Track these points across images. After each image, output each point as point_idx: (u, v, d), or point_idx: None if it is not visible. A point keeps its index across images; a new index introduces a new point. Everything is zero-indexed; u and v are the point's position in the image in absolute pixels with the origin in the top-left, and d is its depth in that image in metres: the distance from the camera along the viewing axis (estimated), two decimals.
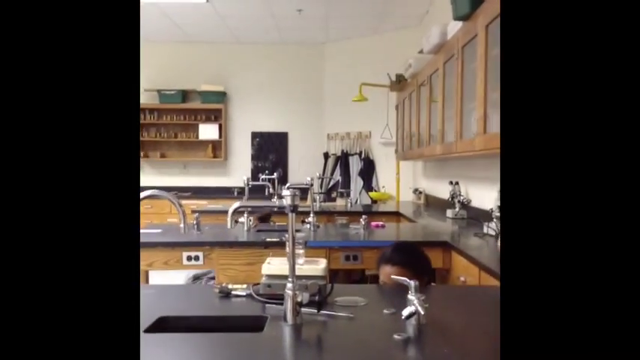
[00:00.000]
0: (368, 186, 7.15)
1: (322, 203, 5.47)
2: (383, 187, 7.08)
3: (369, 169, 7.24)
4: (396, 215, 5.03)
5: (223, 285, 1.82)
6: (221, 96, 7.52)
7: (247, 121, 7.71)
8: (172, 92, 7.45)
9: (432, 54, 4.21)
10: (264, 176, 7.47)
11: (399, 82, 5.79)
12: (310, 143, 7.67)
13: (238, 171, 7.66)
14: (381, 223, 3.71)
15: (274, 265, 1.74)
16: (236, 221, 3.46)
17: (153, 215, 7.12)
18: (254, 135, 7.71)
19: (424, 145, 4.58)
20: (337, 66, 7.44)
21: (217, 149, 7.62)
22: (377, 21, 6.54)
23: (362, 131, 7.31)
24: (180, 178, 7.70)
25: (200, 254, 2.99)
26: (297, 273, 1.62)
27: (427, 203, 5.90)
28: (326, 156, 7.57)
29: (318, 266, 1.72)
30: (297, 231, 3.44)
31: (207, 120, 7.53)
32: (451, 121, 3.82)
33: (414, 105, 5.13)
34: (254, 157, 7.72)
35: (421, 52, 4.79)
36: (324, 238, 3.15)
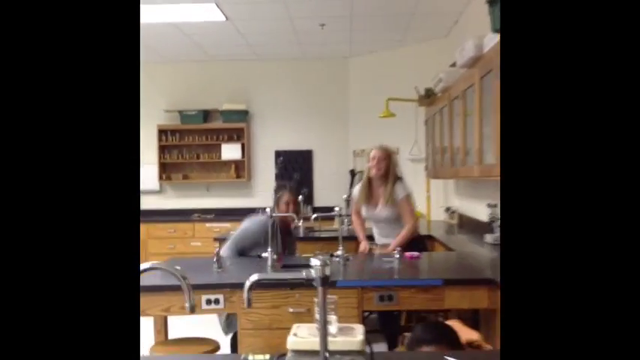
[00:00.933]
0: None
1: (350, 227, 5.17)
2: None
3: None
4: (429, 239, 4.72)
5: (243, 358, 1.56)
6: (243, 114, 7.32)
7: (270, 139, 7.49)
8: (194, 112, 7.28)
9: (466, 68, 3.92)
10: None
11: (428, 97, 5.51)
12: (336, 160, 7.41)
13: (262, 191, 7.43)
14: (415, 253, 3.41)
15: (302, 339, 1.48)
16: (259, 256, 3.20)
17: (176, 240, 6.93)
18: (277, 154, 7.47)
19: (458, 165, 4.28)
20: (362, 80, 7.19)
21: (240, 169, 7.41)
22: (402, 33, 6.27)
23: (389, 146, 7.01)
24: (204, 200, 7.49)
25: (220, 297, 2.74)
26: (330, 347, 1.35)
27: (461, 224, 5.58)
28: (352, 173, 7.29)
29: (354, 338, 1.45)
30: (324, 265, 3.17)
31: (230, 140, 7.33)
32: (489, 140, 3.52)
33: (445, 121, 4.84)
34: (278, 177, 7.48)
35: (453, 65, 4.50)
36: (355, 275, 2.87)
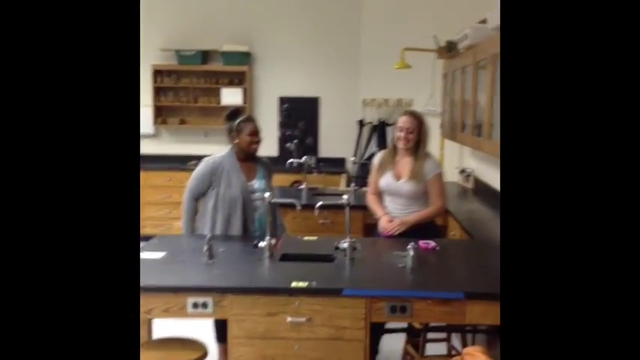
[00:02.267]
0: None
1: (357, 189, 4.79)
2: None
3: None
4: (444, 213, 4.33)
5: None
6: (245, 57, 6.78)
7: (274, 84, 6.96)
8: (192, 53, 6.73)
9: (499, 31, 3.40)
10: (290, 144, 6.88)
11: (449, 50, 4.98)
12: (344, 110, 6.91)
13: (264, 139, 6.98)
14: (431, 244, 3.04)
15: None
16: (255, 245, 2.84)
17: (172, 189, 6.57)
18: (282, 100, 6.98)
19: (484, 136, 3.84)
20: (376, 23, 6.58)
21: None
22: None
23: (402, 98, 6.53)
24: (201, 146, 7.04)
25: (209, 301, 2.39)
26: None
27: (476, 189, 5.19)
28: (361, 124, 6.83)
29: None
30: (329, 260, 2.81)
31: (230, 84, 6.82)
32: None
33: (468, 82, 4.35)
34: (282, 125, 7.03)
35: (483, 22, 3.98)
36: (363, 278, 2.50)
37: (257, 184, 3.32)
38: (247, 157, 3.32)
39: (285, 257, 2.83)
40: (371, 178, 3.56)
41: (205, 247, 2.76)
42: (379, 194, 3.48)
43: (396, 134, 3.38)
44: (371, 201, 3.54)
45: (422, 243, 3.03)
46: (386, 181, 3.40)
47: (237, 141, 3.28)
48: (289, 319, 2.36)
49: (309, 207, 3.88)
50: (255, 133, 3.29)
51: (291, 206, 3.78)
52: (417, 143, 3.35)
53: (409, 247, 2.70)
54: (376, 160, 3.53)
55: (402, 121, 3.35)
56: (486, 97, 3.73)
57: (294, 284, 2.38)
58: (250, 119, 3.36)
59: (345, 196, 2.87)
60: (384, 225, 3.34)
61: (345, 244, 2.80)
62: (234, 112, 3.38)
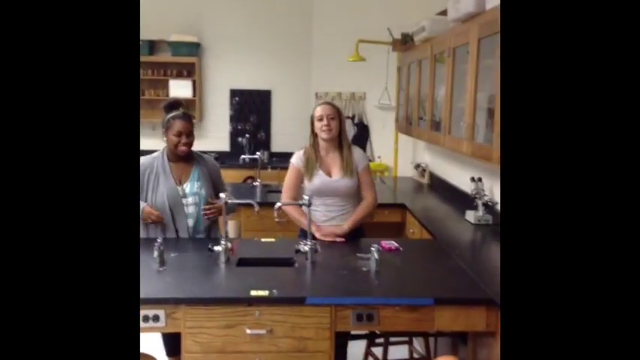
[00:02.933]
0: None
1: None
2: (379, 157, 6.29)
3: (362, 136, 6.41)
4: (401, 209, 4.27)
5: None
6: (194, 48, 6.52)
7: (225, 77, 6.74)
8: None
9: (459, 22, 3.33)
10: (242, 139, 6.67)
11: (404, 42, 4.90)
12: (296, 103, 6.75)
13: (215, 134, 6.78)
14: (394, 245, 2.94)
15: None
16: (210, 250, 2.66)
17: None
18: (233, 93, 6.76)
19: (442, 132, 3.77)
20: (329, 14, 6.43)
21: (191, 109, 6.66)
22: None
23: (356, 92, 6.43)
24: (150, 141, 6.68)
25: (161, 313, 2.21)
26: None
27: (432, 184, 5.15)
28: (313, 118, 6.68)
29: None
30: (289, 264, 2.67)
31: (179, 75, 6.55)
32: (483, 113, 3.02)
33: (426, 75, 4.27)
34: (233, 119, 6.81)
35: (442, 13, 3.90)
36: (327, 289, 2.36)
37: (189, 187, 2.97)
38: (179, 157, 3.00)
39: (242, 262, 2.67)
40: (289, 182, 3.16)
41: (156, 253, 2.57)
42: (294, 197, 3.14)
43: (317, 125, 3.08)
44: (291, 211, 3.12)
45: (384, 243, 2.93)
46: (320, 180, 3.07)
47: (165, 139, 3.01)
48: (249, 331, 2.20)
49: (264, 205, 3.75)
50: (180, 134, 2.90)
51: (248, 205, 3.62)
52: (340, 132, 3.12)
53: (372, 248, 2.59)
54: (297, 160, 3.16)
55: (320, 109, 3.09)
56: (446, 91, 3.65)
57: (253, 293, 2.23)
58: (180, 117, 2.94)
59: (305, 196, 2.72)
60: (327, 234, 3.04)
61: (306, 247, 2.66)
62: (171, 105, 3.03)
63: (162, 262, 2.57)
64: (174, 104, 3.05)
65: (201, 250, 2.76)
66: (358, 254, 2.73)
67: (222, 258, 2.63)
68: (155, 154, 3.05)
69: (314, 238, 2.86)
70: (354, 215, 3.14)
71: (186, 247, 2.89)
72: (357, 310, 2.23)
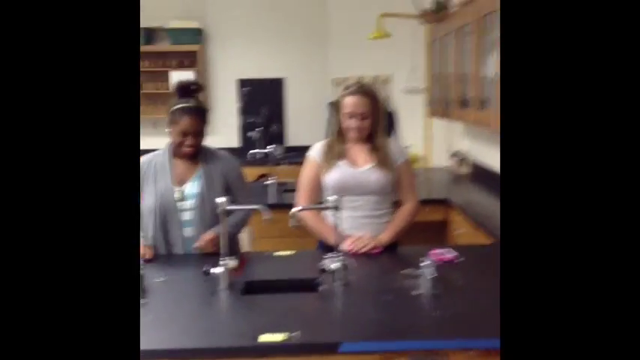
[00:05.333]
0: None
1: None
2: (407, 147, 5.58)
3: (389, 124, 5.70)
4: (443, 206, 3.58)
5: None
6: (196, 34, 5.91)
7: (232, 65, 6.10)
8: None
9: None
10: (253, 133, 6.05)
11: (437, 12, 4.19)
12: (313, 91, 6.11)
13: (223, 129, 6.14)
14: (449, 254, 2.25)
15: None
16: (206, 272, 1.98)
17: None
18: (242, 83, 6.11)
19: (481, 108, 3.06)
20: None
21: None
22: None
23: (379, 75, 5.73)
24: (150, 139, 6.08)
25: None
26: None
27: (475, 175, 4.43)
28: (332, 106, 6.02)
29: None
30: (313, 288, 1.99)
31: (180, 66, 5.94)
32: None
33: (467, 47, 3.57)
34: (242, 111, 6.16)
35: None
36: (368, 326, 1.67)
37: (188, 187, 2.37)
38: (182, 155, 2.40)
39: (250, 288, 1.99)
40: (305, 181, 2.50)
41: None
42: (313, 200, 2.48)
43: (345, 123, 2.40)
44: (313, 217, 2.46)
45: (436, 253, 2.24)
46: (341, 173, 2.39)
47: (168, 130, 2.38)
48: None
49: (278, 207, 3.09)
50: (186, 134, 2.32)
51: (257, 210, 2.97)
52: (375, 128, 2.43)
53: (424, 263, 1.90)
54: (315, 152, 2.50)
55: (351, 104, 2.36)
56: (495, 62, 2.95)
57: (264, 338, 1.55)
58: (190, 111, 2.33)
59: (331, 198, 2.03)
60: (350, 246, 2.32)
61: (333, 264, 1.97)
62: (182, 89, 2.40)
63: (142, 292, 1.91)
64: (187, 89, 2.40)
65: (198, 270, 2.09)
66: (402, 271, 2.04)
67: (223, 284, 1.95)
68: (160, 150, 2.45)
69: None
70: (392, 225, 2.45)
71: (177, 266, 2.23)
72: (416, 357, 1.54)
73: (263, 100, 6.15)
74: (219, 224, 2.30)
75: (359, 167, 2.42)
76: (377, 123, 2.43)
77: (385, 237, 2.40)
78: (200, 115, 2.35)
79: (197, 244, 2.28)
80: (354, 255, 2.24)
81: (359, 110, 2.36)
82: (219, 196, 2.08)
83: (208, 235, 2.29)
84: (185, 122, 2.30)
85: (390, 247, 2.42)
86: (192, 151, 2.35)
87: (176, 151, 2.39)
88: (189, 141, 2.32)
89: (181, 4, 5.97)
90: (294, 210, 2.13)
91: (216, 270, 1.96)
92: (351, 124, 2.38)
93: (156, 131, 6.18)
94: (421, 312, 1.75)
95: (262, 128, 6.00)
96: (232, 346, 1.56)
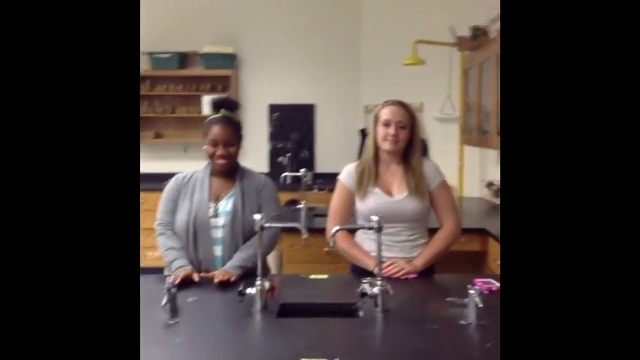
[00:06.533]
0: None
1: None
2: None
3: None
4: (480, 234, 3.46)
5: None
6: (229, 59, 5.94)
7: (263, 90, 6.11)
8: (168, 55, 5.90)
9: None
10: (283, 158, 6.02)
11: (475, 38, 4.13)
12: (343, 118, 6.08)
13: (252, 153, 6.11)
14: (494, 284, 2.13)
15: None
16: (241, 293, 1.90)
17: (146, 213, 5.59)
18: (272, 108, 6.12)
19: None
20: (379, 18, 5.75)
21: None
22: None
23: (412, 103, 5.65)
24: (181, 163, 6.11)
25: None
26: None
27: None
28: (363, 134, 5.97)
29: None
30: (352, 314, 1.89)
31: (213, 90, 5.94)
32: None
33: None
34: (272, 137, 6.15)
35: None
36: (414, 356, 1.56)
37: (222, 205, 2.32)
38: (220, 171, 2.36)
39: (286, 311, 1.89)
40: (336, 205, 2.41)
41: (165, 298, 1.83)
42: (346, 222, 2.40)
43: (380, 132, 2.32)
44: (347, 241, 2.39)
45: (480, 282, 2.12)
46: (376, 200, 2.33)
47: (204, 147, 2.36)
48: None
49: (309, 231, 3.00)
50: (217, 143, 2.28)
51: (291, 230, 2.90)
52: (410, 142, 2.35)
53: (472, 291, 1.79)
54: (346, 176, 2.42)
55: (389, 112, 2.31)
56: None
57: None
58: (219, 121, 2.31)
59: (374, 217, 1.94)
60: (385, 270, 2.20)
61: (374, 289, 1.87)
62: (216, 103, 2.39)
63: (173, 312, 1.83)
64: (221, 103, 2.39)
65: (232, 290, 2.00)
66: (449, 299, 1.92)
67: (258, 305, 1.86)
68: (200, 168, 2.44)
69: (372, 274, 2.08)
70: (429, 247, 2.37)
71: (210, 286, 2.15)
72: None
73: (293, 126, 6.14)
74: (247, 248, 2.25)
75: (394, 196, 2.34)
76: (413, 141, 2.35)
77: (420, 261, 2.32)
78: (229, 124, 2.33)
79: (216, 280, 2.19)
80: (389, 280, 2.14)
81: (396, 118, 2.29)
82: (251, 215, 2.02)
83: (228, 274, 2.20)
84: (214, 131, 2.29)
85: (427, 274, 2.33)
86: (225, 164, 2.31)
87: (212, 166, 2.37)
88: (219, 151, 2.29)
89: (215, 29, 6.03)
90: (335, 229, 2.04)
91: (252, 290, 1.88)
92: (388, 132, 2.30)
93: (186, 156, 6.21)
94: (470, 343, 1.63)
95: (291, 154, 6.01)
96: None
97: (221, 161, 2.30)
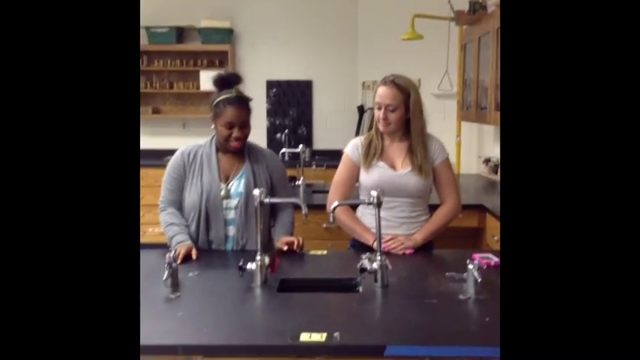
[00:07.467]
0: None
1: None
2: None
3: None
4: (478, 211, 3.47)
5: None
6: (227, 34, 5.87)
7: (261, 66, 6.05)
8: (164, 30, 5.82)
9: None
10: (280, 135, 5.99)
11: (473, 12, 4.09)
12: (341, 94, 6.04)
13: (251, 128, 6.09)
14: (493, 259, 2.15)
15: None
16: (241, 268, 1.91)
17: (145, 189, 5.59)
18: (270, 84, 6.08)
19: None
20: None
21: None
22: None
23: (410, 79, 5.63)
24: (179, 139, 6.07)
25: None
26: None
27: None
28: (361, 110, 5.95)
29: None
30: (352, 288, 1.90)
31: (210, 65, 5.89)
32: None
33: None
34: (270, 113, 6.13)
35: None
36: (415, 331, 1.57)
37: (234, 186, 2.31)
38: (229, 149, 2.32)
39: (286, 286, 1.91)
40: (340, 177, 2.43)
41: (166, 272, 1.84)
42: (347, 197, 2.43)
43: (376, 113, 2.35)
44: (348, 216, 2.40)
45: (479, 257, 2.14)
46: (380, 173, 2.34)
47: (213, 126, 2.32)
48: None
49: (308, 208, 3.01)
50: (232, 125, 2.24)
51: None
52: (406, 121, 2.33)
53: (471, 266, 1.80)
54: (352, 149, 2.42)
55: (379, 94, 2.32)
56: None
57: (305, 337, 1.47)
58: (234, 101, 2.25)
59: (373, 192, 1.94)
60: (385, 245, 2.24)
61: (374, 264, 1.88)
62: (222, 80, 2.32)
63: (174, 286, 1.85)
64: (228, 80, 2.33)
65: (233, 266, 2.01)
66: (448, 273, 1.94)
67: (258, 280, 1.88)
68: (201, 141, 2.39)
69: (371, 249, 2.10)
70: (429, 223, 2.39)
71: (211, 262, 2.16)
72: None
73: (291, 102, 6.11)
74: (282, 225, 2.37)
75: (397, 170, 2.35)
76: (407, 115, 2.33)
77: (420, 236, 2.34)
78: (245, 104, 2.30)
79: (279, 246, 2.23)
80: (388, 255, 2.16)
81: (386, 101, 2.29)
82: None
83: (287, 239, 2.26)
84: (230, 113, 2.23)
85: (425, 249, 2.35)
86: (240, 145, 2.29)
87: (222, 146, 2.32)
88: (236, 133, 2.25)
89: (212, 3, 5.95)
90: (334, 204, 2.05)
91: (252, 266, 1.89)
92: (378, 115, 2.31)
93: (185, 132, 6.18)
94: (469, 317, 1.65)
95: (289, 130, 5.97)
96: (270, 344, 1.47)
97: (236, 144, 2.27)
